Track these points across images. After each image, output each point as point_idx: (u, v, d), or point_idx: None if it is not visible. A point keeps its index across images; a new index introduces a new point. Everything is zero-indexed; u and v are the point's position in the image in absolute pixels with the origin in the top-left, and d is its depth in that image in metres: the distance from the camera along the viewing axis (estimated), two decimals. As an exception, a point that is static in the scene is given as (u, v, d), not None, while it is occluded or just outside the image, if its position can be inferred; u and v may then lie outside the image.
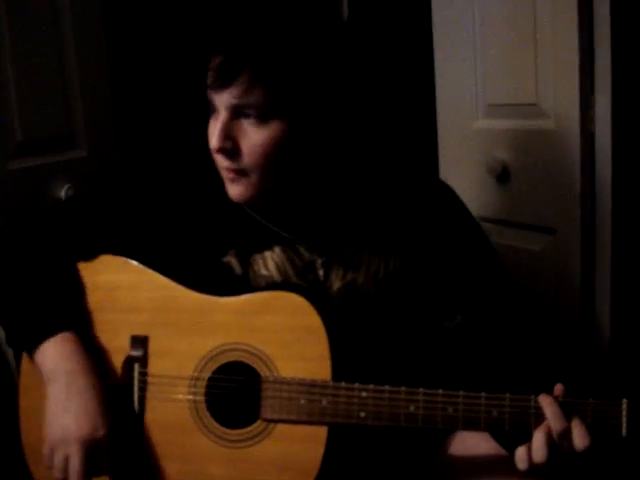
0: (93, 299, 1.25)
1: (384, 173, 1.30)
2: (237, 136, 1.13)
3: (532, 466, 1.06)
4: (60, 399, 1.15)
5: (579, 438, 1.04)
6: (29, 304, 1.21)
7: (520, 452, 1.07)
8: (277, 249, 1.24)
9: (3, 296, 1.25)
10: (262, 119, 1.11)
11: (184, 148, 1.55)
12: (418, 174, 1.31)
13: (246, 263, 1.24)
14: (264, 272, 1.24)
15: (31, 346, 1.18)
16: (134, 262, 1.25)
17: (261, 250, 1.25)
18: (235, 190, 1.17)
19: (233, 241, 1.25)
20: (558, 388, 1.09)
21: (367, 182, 1.28)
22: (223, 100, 1.11)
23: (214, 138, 1.13)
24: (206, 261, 1.25)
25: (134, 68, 2.39)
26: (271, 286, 1.22)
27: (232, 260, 1.25)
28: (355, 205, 1.26)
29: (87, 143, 2.09)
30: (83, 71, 2.07)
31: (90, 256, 1.27)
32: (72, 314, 1.22)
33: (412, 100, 2.39)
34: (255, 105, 1.10)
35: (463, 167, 2.05)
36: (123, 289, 1.24)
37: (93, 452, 1.12)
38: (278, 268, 1.24)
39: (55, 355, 1.17)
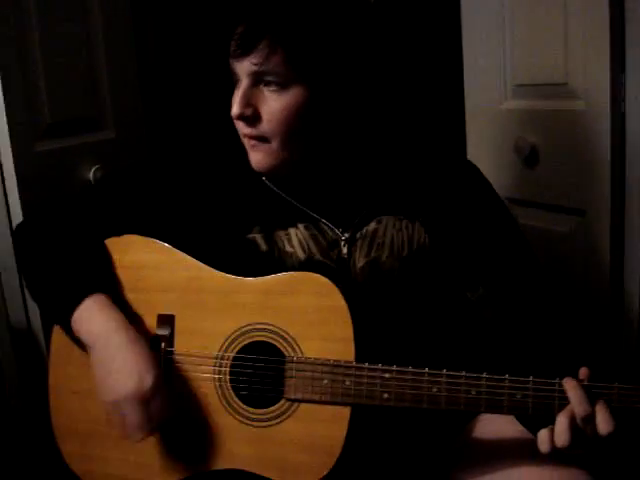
0: (120, 279, 1.26)
1: (409, 150, 1.30)
2: (257, 103, 1.14)
3: (555, 449, 1.05)
4: (102, 362, 1.16)
5: (603, 423, 1.03)
6: (60, 276, 1.23)
7: (542, 435, 1.06)
8: (301, 226, 1.25)
9: (37, 274, 1.28)
10: (282, 85, 1.12)
11: (210, 127, 1.55)
12: (443, 152, 1.31)
13: (271, 240, 1.25)
14: (289, 249, 1.24)
15: (66, 315, 1.20)
16: (160, 242, 1.26)
17: (285, 227, 1.25)
18: (256, 157, 1.18)
19: (258, 218, 1.26)
20: (583, 372, 1.08)
21: (391, 158, 1.28)
22: (244, 68, 1.13)
23: (235, 105, 1.14)
24: (232, 238, 1.26)
25: (161, 49, 2.40)
26: (296, 267, 1.22)
27: (257, 237, 1.25)
28: (379, 181, 1.26)
29: (115, 124, 2.12)
30: (111, 53, 2.08)
31: (117, 236, 1.28)
32: (102, 279, 1.23)
33: (440, 81, 2.37)
34: (275, 71, 1.11)
35: (491, 148, 2.02)
36: (150, 269, 1.25)
37: (146, 404, 1.13)
38: (302, 245, 1.24)
39: (91, 318, 1.18)
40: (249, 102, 1.14)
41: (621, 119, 1.68)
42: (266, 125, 1.15)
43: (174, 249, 1.25)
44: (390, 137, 1.32)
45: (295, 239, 1.25)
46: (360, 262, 1.24)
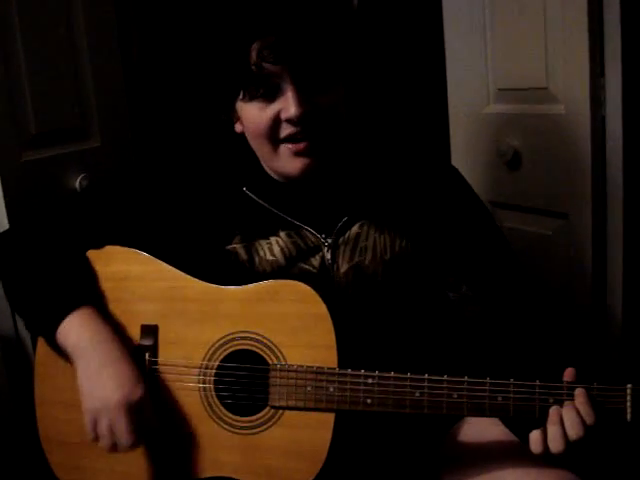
0: (102, 290, 1.26)
1: (390, 154, 1.32)
2: (310, 102, 1.15)
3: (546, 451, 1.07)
4: (91, 370, 1.17)
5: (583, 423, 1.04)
6: (45, 289, 1.23)
7: (535, 436, 1.07)
8: (282, 234, 1.25)
9: (20, 285, 1.28)
10: (328, 84, 1.16)
11: (193, 137, 1.56)
12: (426, 155, 1.33)
13: (251, 249, 1.26)
14: (270, 257, 1.25)
15: (52, 327, 1.20)
16: (143, 253, 1.27)
17: (266, 236, 1.26)
18: (302, 162, 1.19)
19: (238, 228, 1.27)
20: (569, 372, 1.09)
21: (373, 162, 1.29)
22: (284, 72, 1.13)
23: (293, 107, 1.13)
24: (212, 249, 1.27)
25: (147, 58, 2.41)
26: (277, 274, 1.23)
27: (237, 247, 1.26)
28: (360, 185, 1.27)
29: (100, 133, 2.11)
30: (96, 61, 2.08)
31: (100, 247, 1.29)
32: (87, 291, 1.24)
33: (423, 86, 2.38)
34: (319, 72, 1.15)
35: (474, 152, 2.04)
36: (132, 280, 1.26)
37: (136, 413, 1.14)
38: (283, 253, 1.25)
39: (77, 330, 1.19)
40: (304, 102, 1.14)
41: (601, 122, 1.70)
42: (324, 120, 1.16)
43: (156, 259, 1.26)
44: (372, 141, 1.33)
45: (276, 247, 1.25)
46: (343, 267, 1.25)
